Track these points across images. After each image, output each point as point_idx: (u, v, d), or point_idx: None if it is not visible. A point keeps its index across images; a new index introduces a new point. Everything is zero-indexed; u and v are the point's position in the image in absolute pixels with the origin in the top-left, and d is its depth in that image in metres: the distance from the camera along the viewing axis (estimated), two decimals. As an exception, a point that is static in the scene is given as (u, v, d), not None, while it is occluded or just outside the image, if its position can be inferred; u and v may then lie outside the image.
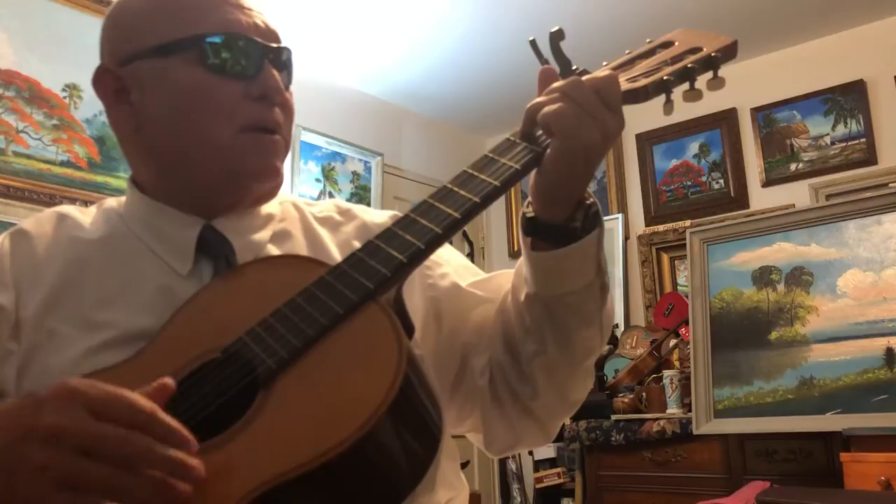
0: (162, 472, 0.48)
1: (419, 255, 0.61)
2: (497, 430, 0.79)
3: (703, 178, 3.47)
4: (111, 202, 0.82)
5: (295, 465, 0.50)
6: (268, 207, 0.80)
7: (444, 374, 0.78)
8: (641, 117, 3.51)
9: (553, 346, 0.72)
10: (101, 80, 0.76)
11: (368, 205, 3.20)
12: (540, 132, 0.66)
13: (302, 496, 0.52)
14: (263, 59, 0.74)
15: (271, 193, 0.81)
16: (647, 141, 3.62)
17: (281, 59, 0.77)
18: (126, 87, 0.74)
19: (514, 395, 0.76)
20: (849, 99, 3.13)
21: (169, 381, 0.53)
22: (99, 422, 0.48)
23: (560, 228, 0.67)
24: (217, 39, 0.72)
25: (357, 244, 0.64)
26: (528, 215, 0.69)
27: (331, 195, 3.31)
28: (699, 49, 0.70)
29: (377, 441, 0.52)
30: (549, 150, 0.65)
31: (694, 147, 3.50)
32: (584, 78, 0.65)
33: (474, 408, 0.80)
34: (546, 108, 0.63)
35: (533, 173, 0.67)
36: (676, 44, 0.73)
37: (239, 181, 0.75)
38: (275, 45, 0.76)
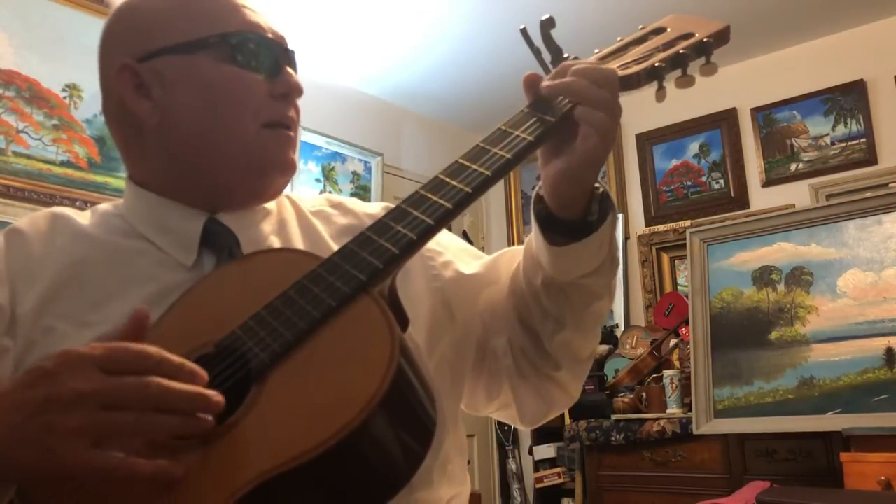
0: (184, 404, 0.50)
1: (412, 246, 0.61)
2: (527, 402, 0.83)
3: (703, 178, 3.46)
4: (105, 206, 0.82)
5: (288, 458, 0.50)
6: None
7: (464, 360, 0.81)
8: (641, 117, 3.52)
9: (571, 322, 0.76)
10: (121, 76, 0.76)
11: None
12: (529, 125, 0.67)
13: (296, 489, 0.52)
14: (282, 59, 0.78)
15: (282, 190, 0.82)
16: (647, 141, 3.62)
17: (293, 62, 0.80)
18: (146, 82, 0.75)
19: (535, 369, 0.80)
20: (849, 99, 3.13)
21: (141, 309, 0.56)
22: (113, 376, 0.50)
23: (578, 223, 0.69)
24: (244, 38, 0.75)
25: (350, 236, 0.64)
26: (544, 213, 0.70)
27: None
28: (691, 35, 0.70)
29: (370, 433, 0.52)
30: (577, 154, 0.65)
31: (694, 147, 3.50)
32: (583, 66, 0.66)
33: (502, 385, 0.83)
34: (588, 111, 0.64)
35: (544, 180, 0.69)
36: (668, 30, 0.73)
37: (261, 174, 0.77)
38: (289, 48, 0.80)
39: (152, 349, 0.52)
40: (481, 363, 0.82)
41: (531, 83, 0.70)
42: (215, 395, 0.52)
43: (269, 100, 0.76)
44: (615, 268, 0.76)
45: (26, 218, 0.79)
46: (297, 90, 0.78)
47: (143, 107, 0.75)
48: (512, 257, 0.83)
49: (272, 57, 0.77)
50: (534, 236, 0.73)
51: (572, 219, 0.69)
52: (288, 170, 0.79)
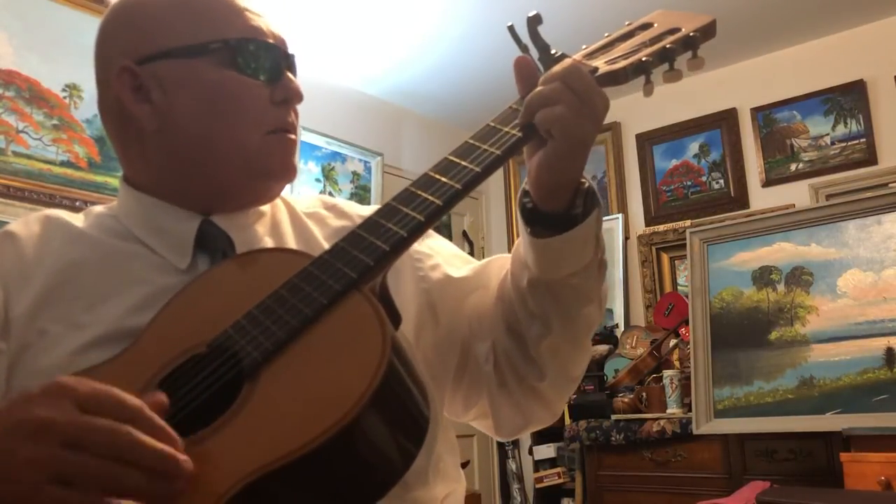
0: (153, 461, 0.48)
1: (402, 243, 0.62)
2: (505, 414, 0.81)
3: (703, 178, 3.46)
4: (99, 208, 0.82)
5: (279, 455, 0.50)
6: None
7: (447, 363, 0.80)
8: (642, 117, 3.52)
9: (558, 326, 0.74)
10: (120, 78, 0.75)
11: (368, 205, 3.21)
12: (517, 122, 0.67)
13: (287, 486, 0.52)
14: (283, 64, 0.77)
15: (279, 193, 0.82)
16: (647, 141, 3.62)
17: (293, 66, 0.80)
18: (144, 85, 0.74)
19: (519, 378, 0.78)
20: (849, 99, 3.13)
21: (162, 397, 0.53)
22: (87, 415, 0.48)
23: (562, 216, 0.69)
24: (246, 44, 0.75)
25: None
26: (528, 206, 0.70)
27: (331, 195, 3.31)
28: (678, 29, 0.70)
29: (362, 430, 0.52)
30: (547, 151, 0.66)
31: (694, 147, 3.50)
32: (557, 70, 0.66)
33: (481, 393, 0.81)
34: (544, 112, 0.64)
35: (529, 171, 0.68)
36: (655, 25, 0.73)
37: (263, 178, 0.77)
38: (289, 52, 0.80)
39: (134, 400, 0.49)
40: (464, 368, 0.81)
41: (521, 66, 0.70)
42: (186, 461, 0.49)
43: (270, 106, 0.76)
44: (603, 272, 0.75)
45: (19, 221, 0.79)
46: (297, 96, 0.78)
47: (142, 111, 0.74)
48: (502, 264, 0.82)
49: (273, 62, 0.76)
50: (520, 232, 0.73)
51: (555, 211, 0.69)
52: (289, 175, 0.79)
